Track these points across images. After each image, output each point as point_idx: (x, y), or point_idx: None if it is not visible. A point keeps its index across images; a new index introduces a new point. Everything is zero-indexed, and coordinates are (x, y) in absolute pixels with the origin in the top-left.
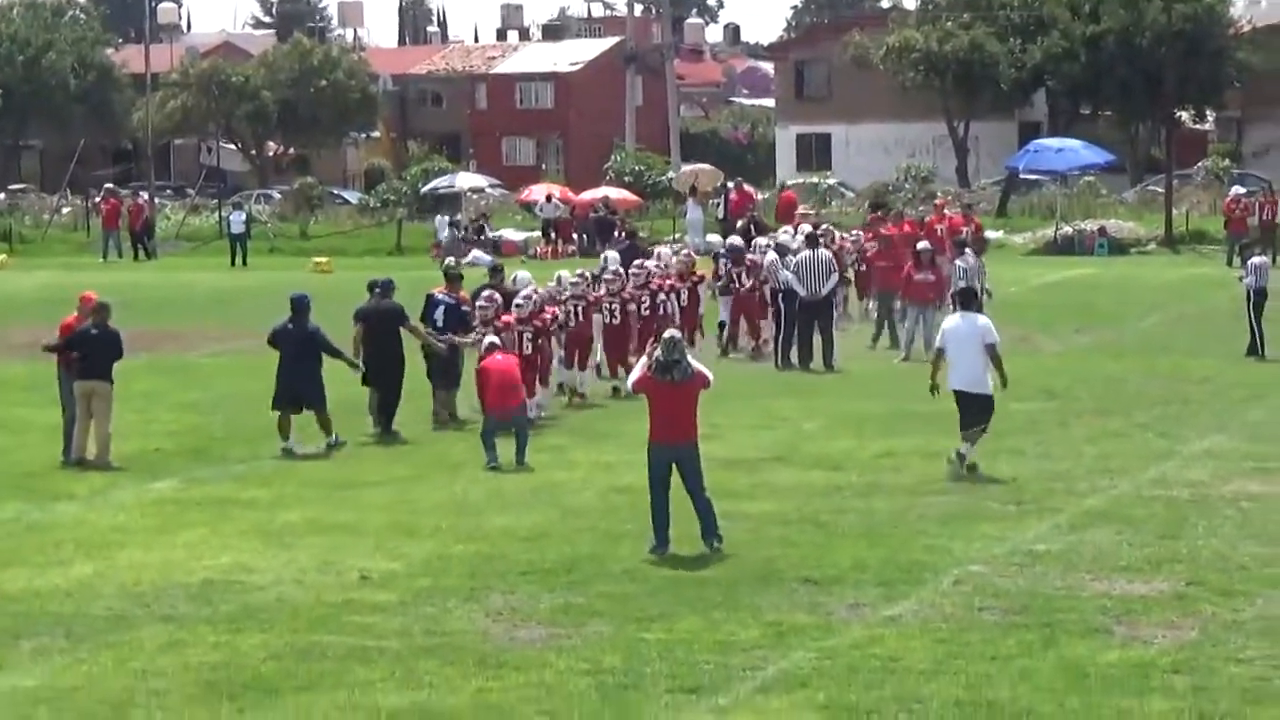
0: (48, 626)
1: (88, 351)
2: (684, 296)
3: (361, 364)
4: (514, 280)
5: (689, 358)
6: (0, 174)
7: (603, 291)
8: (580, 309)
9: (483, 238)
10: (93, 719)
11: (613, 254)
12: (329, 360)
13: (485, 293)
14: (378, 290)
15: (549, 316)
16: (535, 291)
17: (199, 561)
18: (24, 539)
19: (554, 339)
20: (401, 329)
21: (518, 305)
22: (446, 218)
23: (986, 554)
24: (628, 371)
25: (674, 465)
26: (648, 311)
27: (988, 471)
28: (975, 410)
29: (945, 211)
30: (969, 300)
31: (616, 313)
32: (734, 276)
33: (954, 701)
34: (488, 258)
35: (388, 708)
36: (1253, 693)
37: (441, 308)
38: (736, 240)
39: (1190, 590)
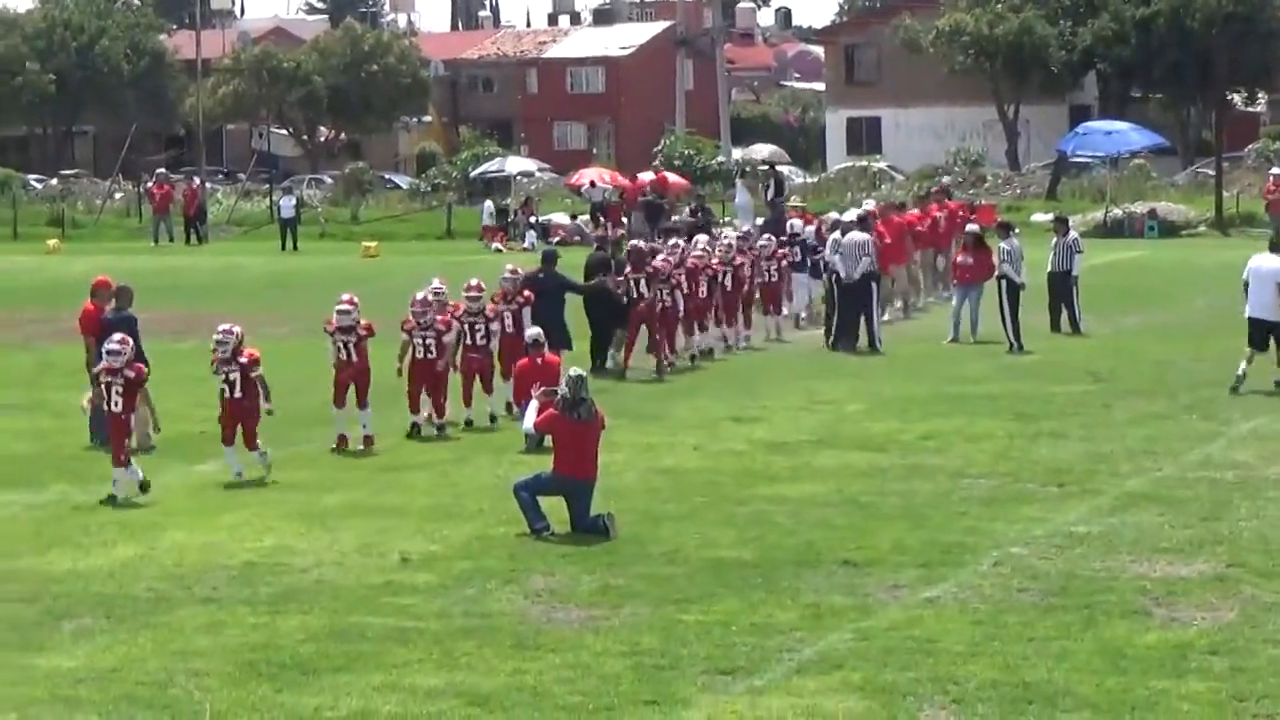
0: (89, 607)
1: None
2: (509, 321)
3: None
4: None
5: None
6: (54, 159)
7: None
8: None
9: (534, 221)
10: (132, 699)
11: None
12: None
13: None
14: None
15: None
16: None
17: (241, 544)
18: (67, 521)
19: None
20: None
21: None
22: (490, 203)
23: (1027, 536)
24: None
25: (565, 496)
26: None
27: (1028, 456)
28: (1264, 334)
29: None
30: (1277, 245)
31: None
32: (633, 284)
33: (990, 683)
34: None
35: (424, 688)
36: None
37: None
38: (637, 243)
39: (1231, 572)
